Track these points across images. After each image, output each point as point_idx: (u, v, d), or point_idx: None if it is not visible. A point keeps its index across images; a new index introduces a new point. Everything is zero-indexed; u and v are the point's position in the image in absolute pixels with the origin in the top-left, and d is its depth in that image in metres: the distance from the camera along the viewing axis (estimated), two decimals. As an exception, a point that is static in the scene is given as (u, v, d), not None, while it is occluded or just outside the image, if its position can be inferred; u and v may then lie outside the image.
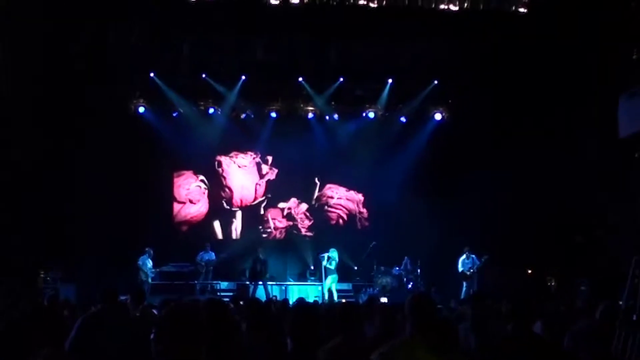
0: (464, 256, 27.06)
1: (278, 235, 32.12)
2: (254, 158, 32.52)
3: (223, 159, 32.33)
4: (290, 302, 17.97)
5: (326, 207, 32.42)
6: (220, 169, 32.35)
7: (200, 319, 6.58)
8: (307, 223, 32.21)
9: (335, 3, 27.12)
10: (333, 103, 31.39)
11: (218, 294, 26.53)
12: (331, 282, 27.74)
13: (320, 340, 8.95)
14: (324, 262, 28.06)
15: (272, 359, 7.24)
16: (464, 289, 26.24)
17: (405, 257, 28.21)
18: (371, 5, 27.08)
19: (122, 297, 12.59)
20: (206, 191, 32.32)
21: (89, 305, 12.71)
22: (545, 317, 11.01)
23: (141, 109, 30.83)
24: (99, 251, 25.91)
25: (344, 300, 20.30)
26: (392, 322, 8.79)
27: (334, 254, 28.14)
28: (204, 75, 30.40)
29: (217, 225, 32.20)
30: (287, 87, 31.10)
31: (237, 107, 31.37)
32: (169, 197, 31.85)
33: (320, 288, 28.05)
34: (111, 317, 10.29)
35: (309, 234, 31.86)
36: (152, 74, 30.14)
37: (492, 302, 12.51)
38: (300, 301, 15.49)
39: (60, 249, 25.48)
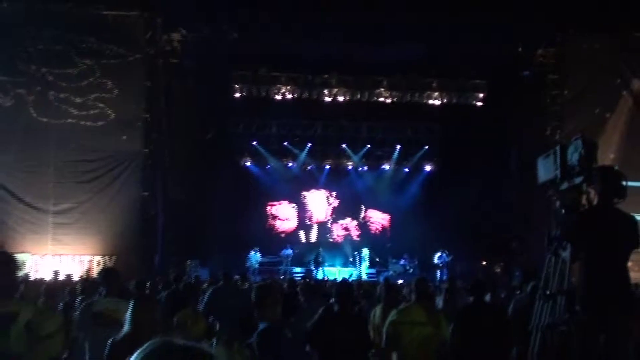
0: (439, 253, 26.82)
1: (339, 240, 32.13)
2: (324, 193, 32.61)
3: (306, 194, 32.49)
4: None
5: (368, 223, 32.43)
6: (304, 200, 32.54)
7: (278, 290, 6.84)
8: (357, 233, 32.20)
9: (365, 100, 27.61)
10: (364, 160, 31.39)
11: (293, 275, 26.59)
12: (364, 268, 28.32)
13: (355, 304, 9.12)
14: (363, 254, 28.62)
15: (324, 315, 7.36)
16: (438, 275, 26.11)
17: (406, 253, 28.34)
18: (387, 101, 27.59)
19: (236, 277, 12.76)
20: (296, 213, 32.47)
21: (216, 281, 12.86)
22: (491, 291, 11.06)
23: (248, 163, 31.13)
24: (224, 249, 26.13)
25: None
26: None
27: (366, 252, 28.70)
28: (285, 143, 30.74)
29: (301, 234, 32.38)
30: (336, 151, 31.23)
31: (305, 162, 31.53)
32: (266, 216, 32.06)
33: (354, 271, 28.10)
34: (228, 289, 10.51)
35: (358, 239, 31.80)
36: (254, 142, 30.50)
37: (460, 282, 12.59)
38: (342, 279, 15.63)
39: (200, 247, 25.70)
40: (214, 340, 4.96)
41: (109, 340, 5.02)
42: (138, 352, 1.64)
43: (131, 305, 5.10)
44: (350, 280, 20.43)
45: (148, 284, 11.99)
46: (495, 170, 26.22)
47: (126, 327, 4.97)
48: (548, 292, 6.37)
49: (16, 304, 4.88)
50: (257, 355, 5.32)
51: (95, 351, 6.03)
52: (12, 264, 5.45)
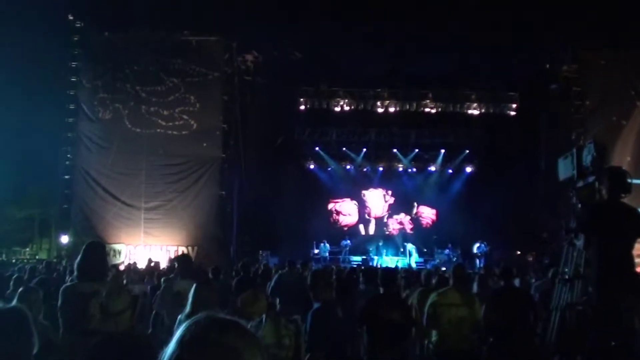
0: (477, 244, 26.62)
1: (394, 233, 31.79)
2: (381, 192, 32.36)
3: (365, 192, 32.22)
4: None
5: (420, 217, 32.09)
6: (364, 198, 32.31)
7: (331, 275, 6.99)
8: (410, 226, 31.80)
9: (413, 110, 27.67)
10: (412, 162, 31.18)
11: (351, 263, 26.59)
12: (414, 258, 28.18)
13: (398, 288, 9.16)
14: (409, 248, 28.63)
15: (371, 295, 7.45)
16: (477, 263, 25.92)
17: (450, 244, 28.15)
18: (432, 111, 27.62)
19: (298, 265, 12.87)
20: (357, 209, 32.28)
21: (282, 268, 13.00)
22: (520, 276, 10.99)
23: (312, 166, 31.17)
24: (291, 240, 26.14)
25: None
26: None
27: (411, 247, 28.77)
28: (344, 148, 30.67)
29: (361, 227, 32.09)
30: (388, 154, 31.06)
31: (361, 165, 31.45)
32: (328, 212, 31.96)
33: (405, 261, 27.93)
34: (292, 275, 10.66)
35: (411, 232, 31.54)
36: (317, 148, 30.56)
37: (496, 270, 12.50)
38: (385, 267, 15.65)
39: (271, 239, 25.83)
40: (264, 316, 5.08)
41: (178, 317, 5.21)
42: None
43: (192, 289, 5.27)
44: (396, 268, 20.49)
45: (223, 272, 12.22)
46: (528, 171, 25.95)
47: (188, 308, 5.14)
48: (566, 277, 6.41)
49: (97, 285, 5.07)
50: (307, 329, 5.46)
51: (175, 326, 6.22)
52: (100, 252, 5.65)
